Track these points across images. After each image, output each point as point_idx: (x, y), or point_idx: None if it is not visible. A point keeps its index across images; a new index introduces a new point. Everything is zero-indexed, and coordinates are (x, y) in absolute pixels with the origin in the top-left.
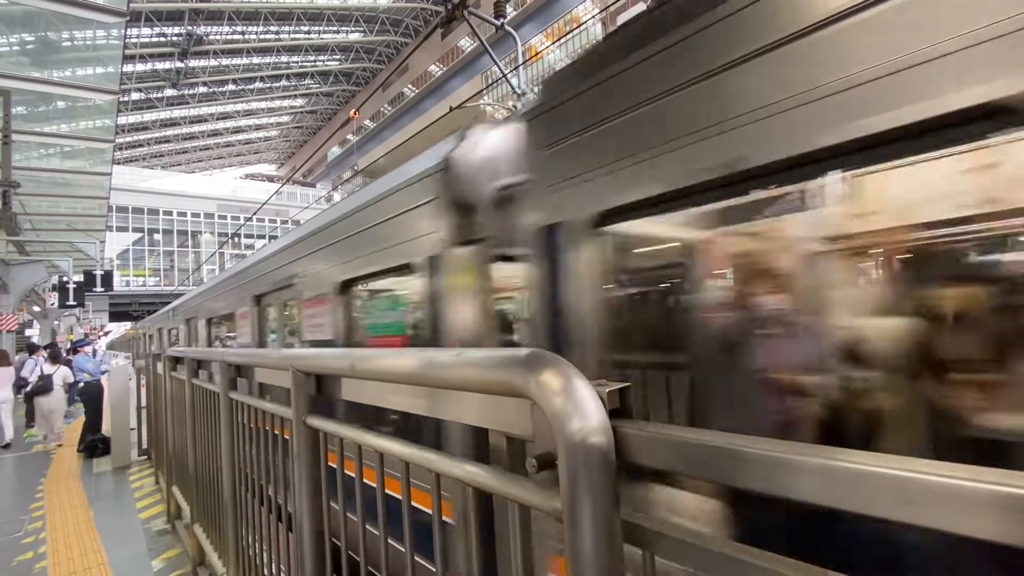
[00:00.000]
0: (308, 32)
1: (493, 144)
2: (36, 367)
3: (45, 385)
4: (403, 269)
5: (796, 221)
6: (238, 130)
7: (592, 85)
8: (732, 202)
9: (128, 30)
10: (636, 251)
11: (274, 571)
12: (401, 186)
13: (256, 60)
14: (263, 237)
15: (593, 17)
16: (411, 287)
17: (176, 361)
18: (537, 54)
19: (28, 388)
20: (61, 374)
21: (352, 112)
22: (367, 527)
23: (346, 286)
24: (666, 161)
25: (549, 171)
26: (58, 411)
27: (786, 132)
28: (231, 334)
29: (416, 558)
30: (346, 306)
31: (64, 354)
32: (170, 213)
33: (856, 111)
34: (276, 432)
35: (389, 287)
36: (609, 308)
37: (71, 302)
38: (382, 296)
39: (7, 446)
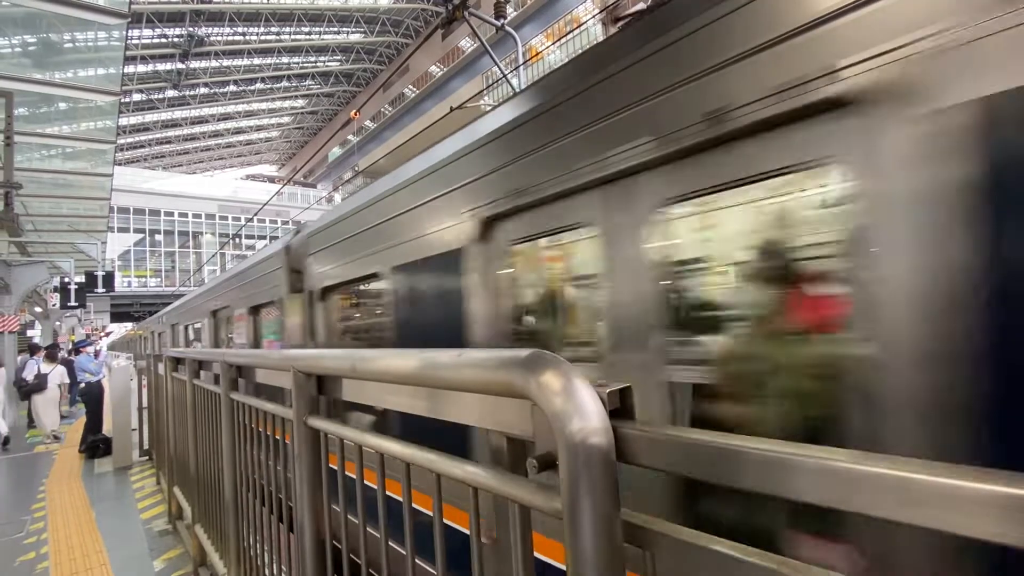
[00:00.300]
0: (309, 33)
1: (306, 242)
2: (36, 367)
3: (40, 384)
4: (271, 304)
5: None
6: (239, 131)
7: (318, 231)
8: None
9: (129, 31)
10: (338, 304)
11: (275, 572)
12: (268, 257)
13: (257, 61)
14: (264, 238)
15: (593, 17)
16: (275, 313)
17: (177, 362)
18: (537, 54)
19: (26, 387)
20: (57, 374)
21: (353, 113)
22: (368, 528)
23: (253, 310)
24: (343, 269)
25: (311, 266)
26: (49, 410)
27: (361, 266)
28: (198, 338)
29: (417, 559)
30: (254, 321)
31: (66, 354)
32: (171, 214)
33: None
34: (276, 434)
35: (268, 312)
36: (330, 325)
37: (73, 303)
38: (266, 317)
39: (6, 442)
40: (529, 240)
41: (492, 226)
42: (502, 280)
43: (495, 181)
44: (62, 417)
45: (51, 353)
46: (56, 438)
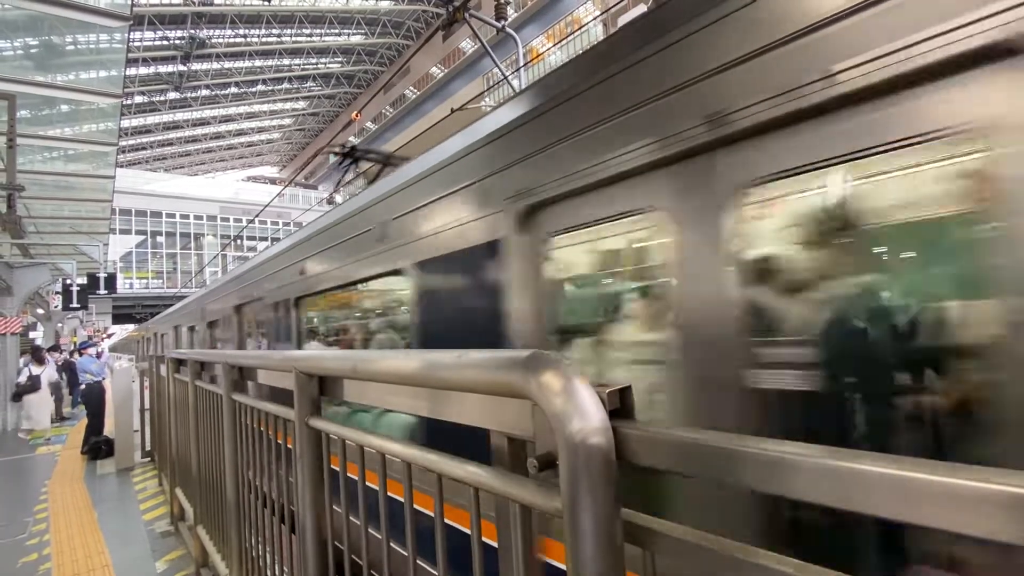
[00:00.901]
0: (310, 35)
1: (204, 296)
2: (28, 370)
3: (33, 384)
4: (195, 327)
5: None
6: (240, 132)
7: (206, 293)
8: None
9: (131, 33)
10: (214, 329)
11: (277, 573)
12: (189, 300)
13: (258, 63)
14: (265, 239)
15: (595, 19)
16: (196, 332)
17: (179, 363)
18: (538, 56)
19: (17, 389)
20: (47, 375)
21: (354, 114)
22: (370, 529)
23: (191, 328)
24: (213, 312)
25: (206, 308)
26: (40, 407)
27: (215, 314)
28: (169, 343)
29: (418, 560)
30: (191, 334)
31: (67, 356)
32: (173, 216)
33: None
34: (278, 436)
35: (196, 330)
36: (212, 339)
37: (75, 305)
38: (194, 333)
39: None
40: (250, 312)
41: (239, 309)
42: (250, 325)
43: (243, 289)
44: (64, 419)
45: (39, 356)
46: (30, 431)
